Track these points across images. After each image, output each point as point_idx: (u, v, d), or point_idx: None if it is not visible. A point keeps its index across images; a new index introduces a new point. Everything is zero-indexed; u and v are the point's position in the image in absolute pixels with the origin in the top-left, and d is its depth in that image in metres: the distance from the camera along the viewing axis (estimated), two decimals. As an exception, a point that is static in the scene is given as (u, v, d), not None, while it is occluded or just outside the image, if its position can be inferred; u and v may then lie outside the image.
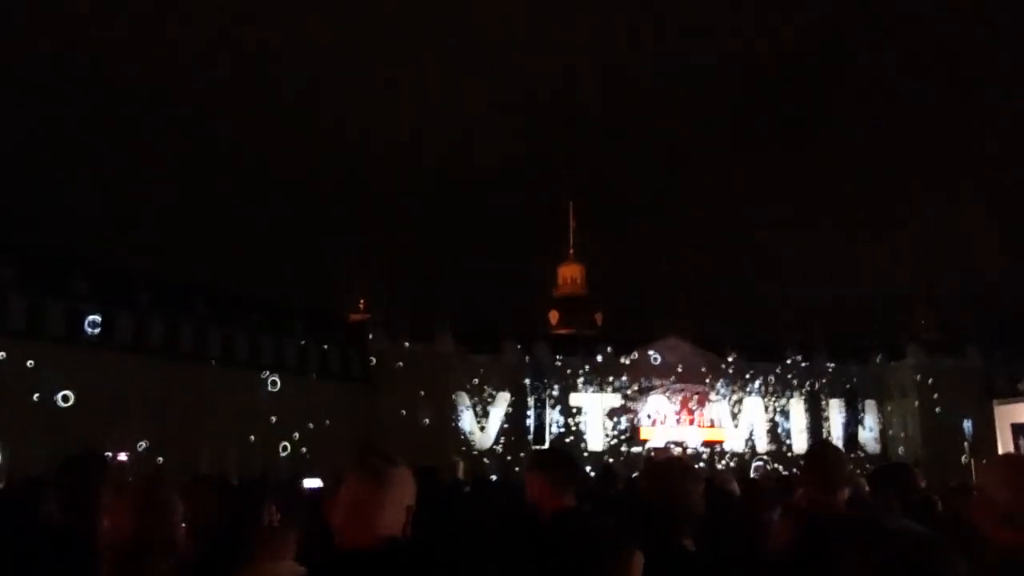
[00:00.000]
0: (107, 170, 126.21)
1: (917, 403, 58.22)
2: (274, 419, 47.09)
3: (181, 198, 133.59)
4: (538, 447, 58.20)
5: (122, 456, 33.08)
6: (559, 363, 60.30)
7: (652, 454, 44.67)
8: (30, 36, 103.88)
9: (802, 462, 3.70)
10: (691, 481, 2.90)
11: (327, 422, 49.70)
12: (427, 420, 54.34)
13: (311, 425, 48.72)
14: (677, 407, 60.73)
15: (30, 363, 38.07)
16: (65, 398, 36.59)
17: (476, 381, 58.76)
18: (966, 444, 54.03)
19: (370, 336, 57.14)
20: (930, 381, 57.82)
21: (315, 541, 3.91)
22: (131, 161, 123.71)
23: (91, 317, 40.62)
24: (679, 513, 2.81)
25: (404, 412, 54.20)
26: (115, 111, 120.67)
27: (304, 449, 46.41)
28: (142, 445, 38.14)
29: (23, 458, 33.24)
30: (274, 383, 46.05)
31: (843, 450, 3.89)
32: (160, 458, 37.86)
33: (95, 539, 2.81)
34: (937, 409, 56.89)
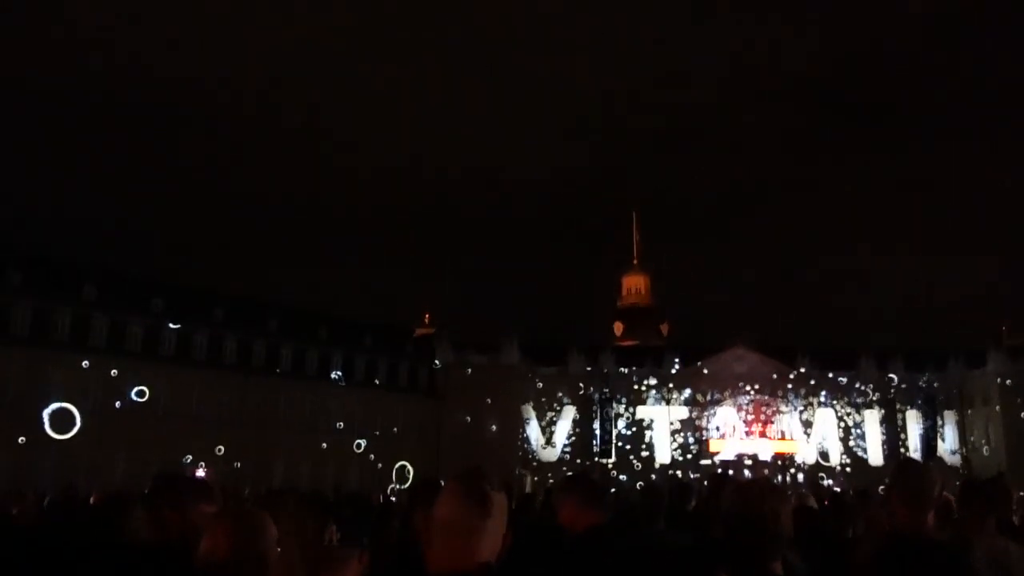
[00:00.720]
0: (170, 193, 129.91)
1: (1000, 411, 56.03)
2: (343, 429, 47.85)
3: (253, 217, 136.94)
4: (605, 459, 57.79)
5: (200, 471, 33.89)
6: (625, 374, 59.74)
7: (730, 471, 43.88)
8: (46, 51, 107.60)
9: (890, 478, 3.58)
10: (779, 501, 2.80)
11: (395, 433, 50.26)
12: (494, 430, 54.40)
13: (379, 436, 49.32)
14: (746, 418, 59.56)
15: (113, 372, 39.39)
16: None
17: (542, 393, 58.60)
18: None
19: (436, 349, 57.51)
20: (1014, 387, 55.60)
21: (388, 555, 3.91)
22: (192, 183, 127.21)
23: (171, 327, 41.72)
24: (770, 536, 2.72)
25: (470, 424, 54.37)
26: (177, 132, 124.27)
27: (372, 457, 46.99)
28: (220, 449, 39.03)
29: (105, 473, 34.26)
30: (339, 378, 46.74)
31: (933, 468, 3.74)
32: (237, 464, 38.71)
33: (185, 558, 2.86)
34: (1022, 416, 54.70)
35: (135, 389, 39.79)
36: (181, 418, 41.57)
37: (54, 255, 43.24)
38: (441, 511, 2.26)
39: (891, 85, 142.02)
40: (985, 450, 56.87)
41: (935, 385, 59.74)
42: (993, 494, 5.18)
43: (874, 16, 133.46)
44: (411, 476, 44.31)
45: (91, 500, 10.34)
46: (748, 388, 59.63)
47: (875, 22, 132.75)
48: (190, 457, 37.95)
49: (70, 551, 4.67)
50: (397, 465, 47.16)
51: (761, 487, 2.83)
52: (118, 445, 37.50)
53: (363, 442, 47.47)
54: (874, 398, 59.88)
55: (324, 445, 45.59)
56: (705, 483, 12.82)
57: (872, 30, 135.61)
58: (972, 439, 58.99)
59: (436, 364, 56.67)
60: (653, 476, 48.00)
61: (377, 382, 52.38)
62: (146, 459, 34.24)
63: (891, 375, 59.62)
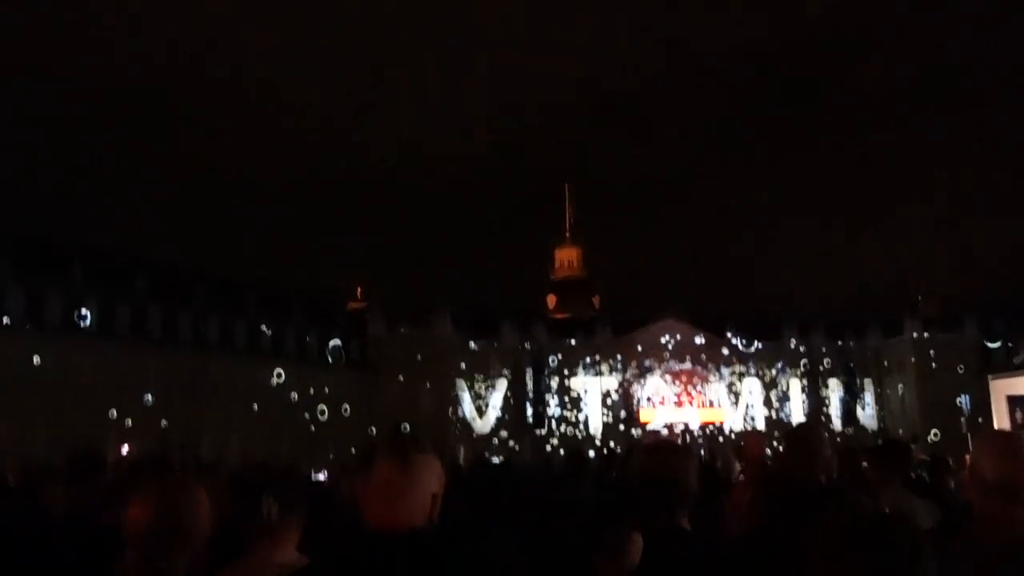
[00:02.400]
0: (106, 162, 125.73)
1: (915, 379, 58.38)
2: (273, 403, 47.34)
3: (179, 188, 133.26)
4: (538, 430, 58.48)
5: (124, 448, 33.09)
6: (557, 346, 60.35)
7: (643, 438, 44.88)
8: (31, 35, 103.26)
9: (783, 439, 3.76)
10: (683, 458, 2.93)
11: (327, 410, 49.91)
12: (427, 403, 54.49)
13: (310, 414, 48.93)
14: (676, 388, 60.84)
15: (35, 359, 38.17)
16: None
17: (475, 365, 58.83)
18: (963, 419, 54.28)
19: (368, 321, 57.13)
20: (927, 355, 58.01)
21: (322, 531, 3.94)
22: (131, 155, 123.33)
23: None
24: (672, 492, 2.84)
25: (403, 397, 54.34)
26: (115, 108, 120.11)
27: (306, 434, 46.59)
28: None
29: (24, 448, 33.26)
30: (279, 375, 46.18)
31: (832, 431, 3.95)
32: (165, 439, 37.91)
33: (98, 533, 2.84)
34: (934, 384, 57.10)
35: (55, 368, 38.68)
36: (103, 393, 40.53)
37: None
38: (372, 473, 2.33)
39: (825, 62, 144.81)
40: (901, 415, 59.25)
41: (854, 354, 61.89)
42: (899, 454, 5.49)
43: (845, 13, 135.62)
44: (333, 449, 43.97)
45: (8, 477, 10.08)
46: (677, 358, 60.86)
47: (825, 5, 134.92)
48: (111, 435, 37.03)
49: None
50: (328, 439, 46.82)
51: (664, 446, 2.95)
52: (36, 421, 36.42)
53: (295, 395, 47.07)
54: (798, 367, 61.76)
55: (252, 426, 44.98)
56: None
57: (812, 6, 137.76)
58: (889, 406, 61.39)
59: (368, 340, 56.33)
60: (585, 446, 48.67)
61: (308, 357, 51.89)
62: (67, 435, 33.28)
63: (813, 344, 61.53)
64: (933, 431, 53.01)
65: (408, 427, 46.60)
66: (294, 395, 48.86)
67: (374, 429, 48.14)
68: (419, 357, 55.08)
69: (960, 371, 57.36)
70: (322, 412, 49.42)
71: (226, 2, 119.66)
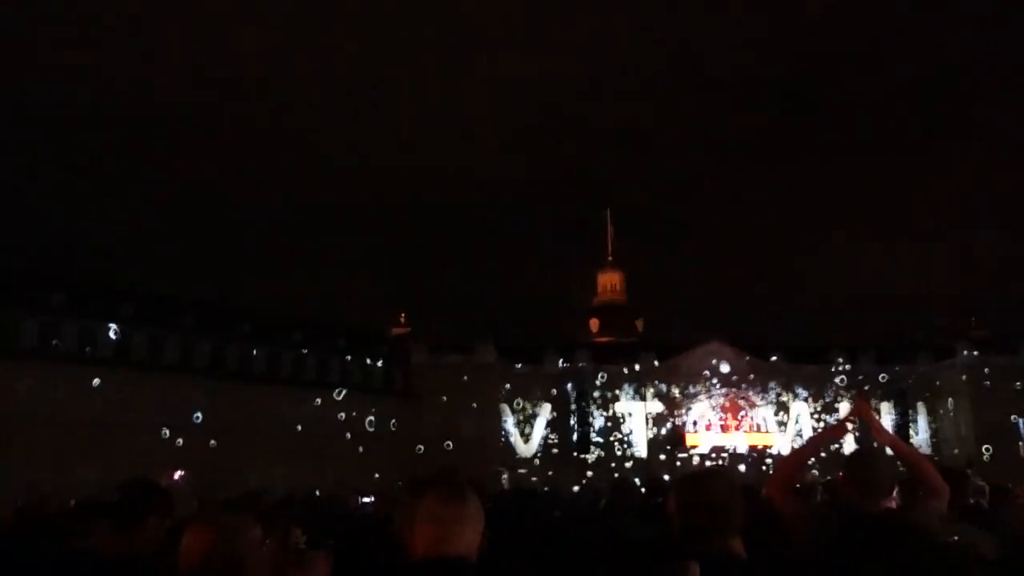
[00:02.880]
0: (135, 198, 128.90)
1: (969, 402, 56.93)
2: (319, 433, 47.64)
3: (225, 226, 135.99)
4: (582, 456, 58.05)
5: (176, 475, 33.49)
6: (600, 371, 59.99)
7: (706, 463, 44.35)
8: (50, 68, 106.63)
9: (843, 466, 3.66)
10: (728, 485, 2.90)
11: (371, 437, 50.06)
12: (470, 430, 54.41)
13: (354, 440, 49.12)
14: (722, 412, 60.09)
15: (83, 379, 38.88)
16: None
17: (518, 391, 58.70)
18: (1020, 443, 52.79)
19: (411, 349, 57.42)
20: (981, 380, 56.54)
21: (365, 557, 3.92)
22: (174, 198, 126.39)
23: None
24: (717, 515, 2.81)
25: (446, 424, 54.35)
26: (154, 152, 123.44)
27: (348, 460, 46.70)
28: (179, 475, 38.46)
29: (69, 481, 33.83)
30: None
31: (887, 456, 3.83)
32: (210, 470, 38.26)
33: (147, 568, 2.85)
34: (990, 408, 55.63)
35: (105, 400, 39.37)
36: (152, 425, 41.16)
37: (20, 264, 42.71)
38: (425, 502, 2.45)
39: (867, 84, 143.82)
40: (956, 440, 57.75)
41: (906, 378, 60.58)
42: (954, 483, 5.30)
43: (838, 14, 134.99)
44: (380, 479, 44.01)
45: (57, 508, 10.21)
46: (723, 382, 60.17)
47: (840, 20, 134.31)
48: (159, 466, 37.47)
49: (32, 560, 4.61)
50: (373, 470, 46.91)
51: (704, 474, 2.93)
52: (86, 453, 37.02)
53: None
54: (847, 391, 60.59)
55: (297, 454, 45.30)
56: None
57: (852, 32, 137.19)
58: (942, 430, 59.90)
59: (411, 367, 56.57)
60: (630, 472, 48.17)
61: (352, 385, 52.20)
62: (116, 468, 33.75)
63: (862, 368, 60.38)
64: (985, 446, 51.52)
65: (451, 451, 46.48)
66: (341, 416, 49.21)
67: (421, 448, 48.08)
68: (462, 384, 55.12)
69: (1016, 395, 55.79)
70: (366, 440, 49.55)
71: (279, 35, 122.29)
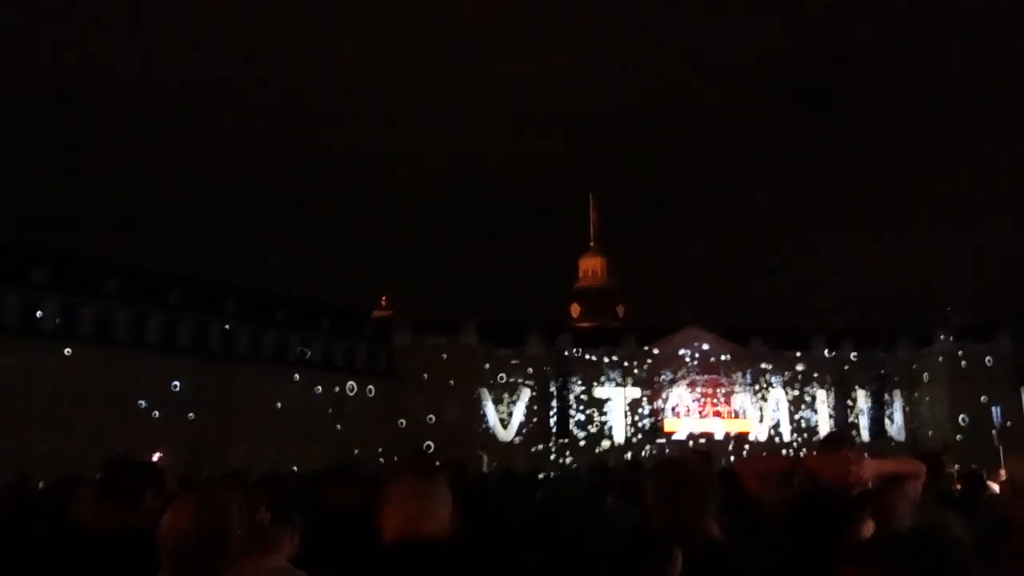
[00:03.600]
0: (129, 175, 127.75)
1: (946, 390, 57.54)
2: (301, 410, 47.68)
3: (208, 204, 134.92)
4: (561, 440, 58.34)
5: (156, 455, 33.48)
6: (582, 356, 60.15)
7: (671, 452, 44.52)
8: (56, 61, 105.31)
9: (817, 450, 3.74)
10: (703, 470, 2.97)
11: (354, 416, 50.14)
12: (452, 412, 54.57)
13: (337, 419, 49.20)
14: (701, 399, 60.43)
15: (66, 353, 38.60)
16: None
17: (500, 374, 58.79)
18: (994, 431, 53.47)
19: (394, 330, 57.34)
20: (958, 367, 57.14)
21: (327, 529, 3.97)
22: (160, 176, 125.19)
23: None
24: (695, 503, 2.87)
25: (428, 406, 54.46)
26: (144, 133, 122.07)
27: (333, 441, 46.77)
28: (158, 456, 38.36)
29: (59, 458, 33.73)
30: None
31: (865, 441, 3.93)
32: (194, 448, 38.24)
33: (140, 546, 2.90)
34: (966, 394, 56.28)
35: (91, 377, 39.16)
36: (134, 402, 41.04)
37: (1, 238, 42.09)
38: (392, 485, 2.49)
39: (845, 74, 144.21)
40: (932, 426, 58.37)
41: (884, 365, 61.10)
42: (931, 468, 5.41)
43: (837, 6, 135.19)
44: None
45: (40, 485, 10.22)
46: (702, 368, 60.47)
47: (838, 12, 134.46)
48: (143, 444, 37.42)
49: (19, 535, 4.63)
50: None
51: (683, 461, 2.98)
52: (68, 430, 36.84)
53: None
54: (825, 377, 61.07)
55: (280, 433, 45.32)
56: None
57: (834, 20, 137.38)
58: (919, 416, 60.50)
59: (394, 348, 56.52)
60: (609, 456, 48.49)
61: (335, 365, 52.18)
62: (98, 444, 33.68)
63: (841, 355, 60.83)
64: (958, 435, 52.10)
65: (431, 445, 46.66)
66: (320, 396, 49.20)
67: (403, 422, 48.20)
68: (444, 366, 55.20)
69: (993, 382, 56.46)
70: (349, 419, 49.60)
71: (272, 31, 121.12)
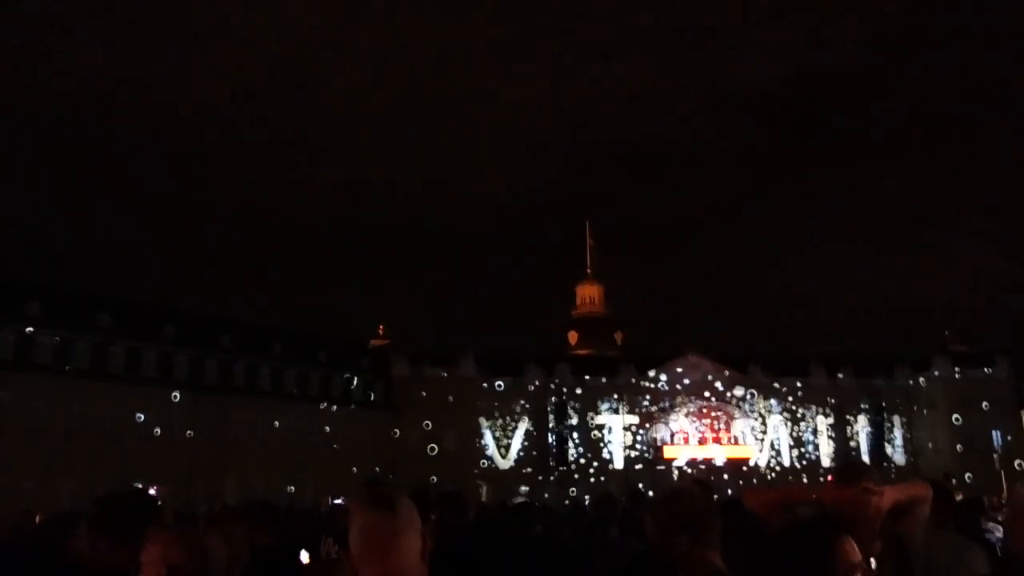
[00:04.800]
0: (123, 209, 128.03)
1: (946, 416, 57.44)
2: (298, 444, 47.40)
3: (202, 234, 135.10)
4: (561, 468, 58.01)
5: (152, 490, 33.18)
6: (579, 384, 60.02)
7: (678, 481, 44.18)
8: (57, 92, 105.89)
9: (832, 473, 3.70)
10: (706, 497, 2.94)
11: (352, 448, 49.82)
12: (450, 442, 54.34)
13: (334, 452, 48.88)
14: (700, 425, 60.25)
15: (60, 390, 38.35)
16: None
17: (498, 404, 58.61)
18: (995, 456, 53.31)
19: (391, 362, 57.20)
20: (958, 393, 57.11)
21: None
22: (157, 208, 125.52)
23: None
24: (699, 528, 2.84)
25: (426, 437, 54.24)
26: (140, 164, 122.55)
27: (330, 473, 46.46)
28: (154, 491, 38.21)
29: (51, 493, 33.45)
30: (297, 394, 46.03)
31: (872, 468, 3.86)
32: (188, 482, 37.96)
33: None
34: (966, 421, 56.18)
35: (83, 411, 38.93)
36: (130, 436, 40.75)
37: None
38: (353, 519, 2.22)
39: (836, 103, 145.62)
40: (932, 452, 58.22)
41: (882, 391, 61.05)
42: (941, 495, 5.36)
43: (830, 37, 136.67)
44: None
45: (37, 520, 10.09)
46: (701, 395, 60.36)
47: (831, 43, 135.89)
48: (140, 478, 37.13)
49: (16, 571, 4.56)
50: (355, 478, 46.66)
51: (686, 487, 2.95)
52: (64, 465, 36.55)
53: (315, 461, 47.02)
54: (824, 403, 60.98)
55: (275, 466, 44.99)
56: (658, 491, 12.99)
57: (828, 51, 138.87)
58: (919, 442, 60.36)
59: (391, 379, 56.37)
60: (608, 484, 48.21)
61: (332, 397, 51.93)
62: (94, 479, 33.41)
63: (839, 381, 60.79)
64: (968, 475, 51.85)
65: (435, 478, 46.44)
66: (325, 428, 48.91)
67: (391, 474, 47.96)
68: (442, 397, 55.02)
69: (992, 408, 56.40)
70: (346, 452, 49.30)
71: (270, 64, 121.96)
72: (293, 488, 43.01)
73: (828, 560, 2.21)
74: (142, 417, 41.60)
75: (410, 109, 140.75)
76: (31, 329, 39.39)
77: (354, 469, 45.56)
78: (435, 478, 45.93)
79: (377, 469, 46.16)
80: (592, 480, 55.88)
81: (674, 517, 2.87)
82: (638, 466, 58.01)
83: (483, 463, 57.08)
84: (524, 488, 53.67)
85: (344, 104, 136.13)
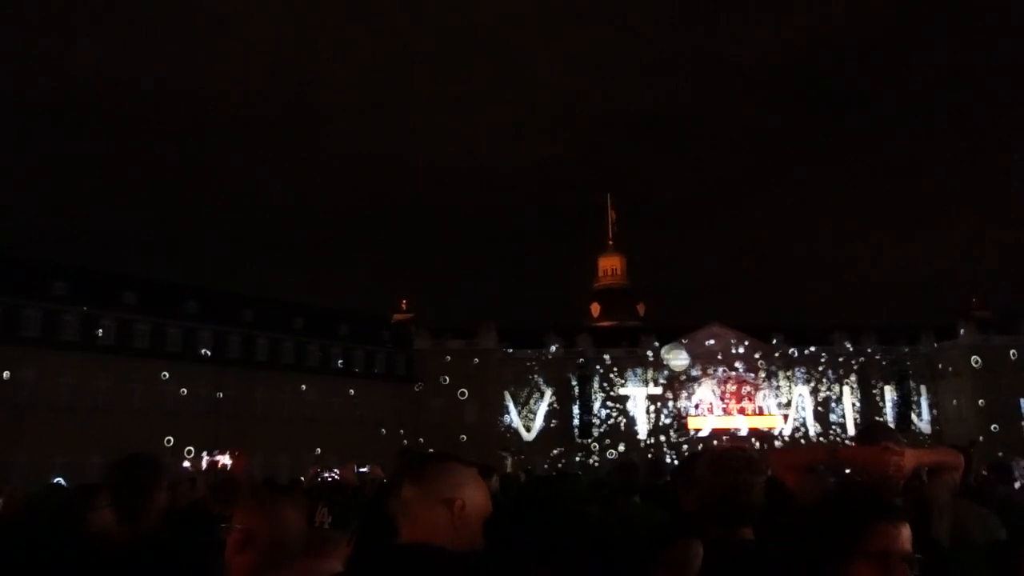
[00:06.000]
0: (146, 188, 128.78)
1: (971, 383, 56.92)
2: (321, 418, 47.79)
3: (226, 214, 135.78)
4: (584, 440, 58.14)
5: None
6: (602, 355, 59.97)
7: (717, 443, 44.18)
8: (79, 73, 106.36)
9: (852, 440, 3.61)
10: (755, 474, 2.82)
11: (374, 422, 50.19)
12: (473, 414, 54.59)
13: (357, 425, 49.27)
14: (724, 395, 60.11)
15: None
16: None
17: (520, 376, 58.73)
18: (1022, 423, 52.81)
19: (413, 335, 57.43)
20: (984, 360, 56.52)
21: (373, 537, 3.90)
22: (175, 188, 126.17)
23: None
24: (740, 505, 2.75)
25: (449, 409, 54.49)
26: (160, 148, 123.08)
27: (352, 447, 46.83)
28: (191, 451, 38.53)
29: (79, 468, 33.98)
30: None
31: (896, 431, 3.76)
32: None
33: (156, 553, 2.82)
34: (992, 388, 55.64)
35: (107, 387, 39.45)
36: (155, 411, 41.30)
37: (23, 252, 42.73)
38: (404, 493, 2.19)
39: (859, 75, 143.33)
40: (957, 420, 57.76)
41: (908, 359, 60.52)
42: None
43: (849, 7, 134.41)
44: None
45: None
46: (724, 365, 60.16)
47: (850, 13, 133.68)
48: (166, 452, 37.66)
49: (39, 545, 4.58)
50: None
51: (735, 458, 2.84)
52: (91, 440, 37.10)
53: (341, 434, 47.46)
54: (848, 372, 60.59)
55: (299, 440, 45.42)
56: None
57: (846, 22, 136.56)
58: (944, 410, 59.91)
59: (414, 353, 56.59)
60: (632, 455, 48.30)
61: (355, 371, 52.27)
62: (120, 454, 33.83)
63: (863, 349, 60.34)
64: (993, 425, 51.32)
65: (454, 435, 46.60)
66: (344, 401, 49.25)
67: (421, 440, 48.28)
68: (465, 369, 55.22)
69: (1018, 374, 55.79)
70: (369, 425, 49.66)
71: (282, 41, 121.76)
72: (319, 458, 43.32)
73: (858, 543, 2.09)
74: (167, 392, 42.11)
75: (427, 84, 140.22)
76: (57, 307, 39.94)
77: (378, 441, 45.92)
78: (459, 445, 46.19)
79: (405, 442, 46.55)
80: (615, 452, 55.99)
81: (741, 463, 2.78)
82: (662, 437, 58.07)
83: (507, 435, 57.32)
84: (547, 459, 53.94)
85: (363, 77, 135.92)
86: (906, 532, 2.14)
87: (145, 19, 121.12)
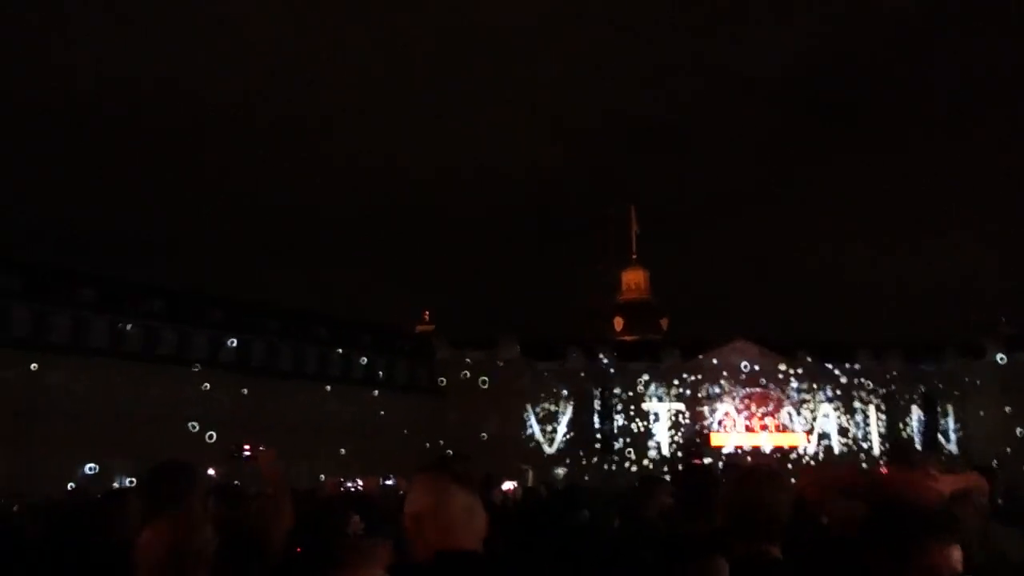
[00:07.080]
0: (170, 198, 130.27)
1: (998, 402, 56.03)
2: (342, 429, 47.86)
3: (248, 221, 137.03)
4: (605, 454, 57.87)
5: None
6: (625, 369, 59.71)
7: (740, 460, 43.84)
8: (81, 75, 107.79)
9: (886, 457, 3.58)
10: (779, 489, 2.81)
11: (395, 433, 50.20)
12: (494, 426, 54.48)
13: (379, 437, 49.31)
14: (747, 412, 59.60)
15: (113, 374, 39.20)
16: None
17: (542, 389, 58.60)
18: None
19: (435, 346, 57.51)
20: (1011, 379, 55.65)
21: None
22: (200, 197, 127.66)
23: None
24: (765, 520, 2.74)
25: (471, 421, 54.42)
26: (182, 157, 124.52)
27: (373, 456, 46.88)
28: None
29: (106, 475, 34.29)
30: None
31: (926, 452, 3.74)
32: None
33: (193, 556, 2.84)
34: (1020, 407, 54.75)
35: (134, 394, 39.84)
36: (180, 420, 41.57)
37: (51, 260, 43.40)
38: (414, 501, 2.28)
39: (883, 83, 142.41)
40: (984, 439, 56.85)
41: (933, 378, 59.73)
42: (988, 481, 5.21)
43: (861, 17, 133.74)
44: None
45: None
46: (747, 381, 59.67)
47: (862, 23, 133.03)
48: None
49: (68, 553, 4.61)
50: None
51: (760, 473, 2.84)
52: (116, 449, 37.43)
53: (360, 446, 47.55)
54: (874, 390, 59.89)
55: (321, 451, 45.53)
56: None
57: (862, 31, 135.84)
58: (971, 430, 58.99)
59: (436, 364, 56.65)
60: (652, 471, 47.99)
61: (377, 382, 52.41)
62: (145, 461, 34.09)
63: (888, 366, 59.64)
64: (1015, 452, 50.49)
65: (476, 448, 46.45)
66: (368, 412, 49.32)
67: (450, 452, 48.13)
68: (486, 381, 55.16)
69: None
70: (390, 437, 49.70)
71: (291, 51, 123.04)
72: (340, 468, 43.38)
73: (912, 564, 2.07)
74: (191, 400, 42.41)
75: (439, 93, 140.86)
76: (85, 314, 40.48)
77: (399, 452, 45.88)
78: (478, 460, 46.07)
79: (428, 446, 46.56)
80: (639, 465, 55.68)
81: (764, 476, 2.77)
82: (684, 452, 57.63)
83: (528, 448, 57.17)
84: (560, 471, 53.74)
85: (375, 86, 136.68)
86: (957, 554, 2.13)
87: (145, 19, 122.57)
